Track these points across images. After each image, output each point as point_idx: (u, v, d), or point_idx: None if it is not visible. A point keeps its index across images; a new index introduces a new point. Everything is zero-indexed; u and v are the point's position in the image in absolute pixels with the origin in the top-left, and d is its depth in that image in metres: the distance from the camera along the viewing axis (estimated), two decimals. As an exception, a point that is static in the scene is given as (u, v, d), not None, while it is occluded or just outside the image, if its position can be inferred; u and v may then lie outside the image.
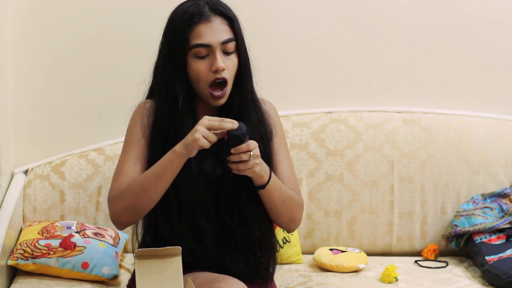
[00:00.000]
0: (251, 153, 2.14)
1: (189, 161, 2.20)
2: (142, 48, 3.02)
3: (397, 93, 3.15)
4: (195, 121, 2.23)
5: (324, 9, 3.09)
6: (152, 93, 2.36)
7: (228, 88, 2.27)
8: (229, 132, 2.14)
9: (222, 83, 2.25)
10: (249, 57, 2.33)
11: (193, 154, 2.15)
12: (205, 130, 2.12)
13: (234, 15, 2.29)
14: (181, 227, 2.27)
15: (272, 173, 2.26)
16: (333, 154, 3.04)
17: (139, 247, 2.37)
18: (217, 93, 2.25)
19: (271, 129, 2.37)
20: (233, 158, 2.15)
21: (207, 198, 2.27)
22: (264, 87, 2.41)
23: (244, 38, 2.32)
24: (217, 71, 2.23)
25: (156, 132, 2.29)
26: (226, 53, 2.25)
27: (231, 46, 2.25)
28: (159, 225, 2.30)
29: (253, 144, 2.15)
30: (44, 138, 3.07)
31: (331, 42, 3.11)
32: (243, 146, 2.14)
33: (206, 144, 2.12)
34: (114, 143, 3.02)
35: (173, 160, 2.17)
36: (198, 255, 2.29)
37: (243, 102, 2.31)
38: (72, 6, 3.01)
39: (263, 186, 2.24)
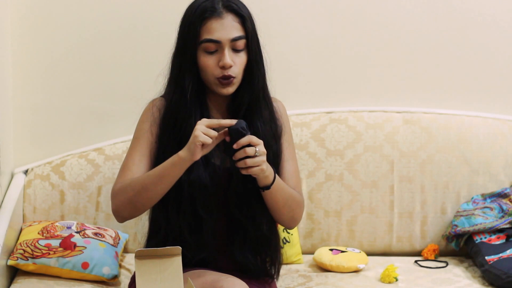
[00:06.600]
0: (257, 148, 2.14)
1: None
2: (142, 48, 3.02)
3: (397, 93, 3.15)
4: (203, 114, 2.26)
5: (324, 9, 3.08)
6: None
7: (236, 82, 2.28)
8: (229, 128, 2.14)
9: (229, 78, 2.27)
10: (263, 55, 2.34)
11: (197, 156, 2.14)
12: (204, 128, 2.12)
13: (247, 13, 2.31)
14: (178, 216, 2.29)
15: (276, 174, 2.26)
16: (333, 154, 3.04)
17: (147, 239, 2.41)
18: (224, 81, 2.27)
19: (281, 127, 2.40)
20: (239, 154, 2.15)
21: (213, 189, 2.28)
22: (264, 87, 2.43)
23: (259, 37, 2.34)
24: (224, 67, 2.25)
25: (164, 126, 2.31)
26: (235, 50, 2.27)
27: (241, 43, 2.27)
28: (155, 212, 2.33)
29: (256, 140, 2.15)
30: (44, 138, 3.07)
31: (331, 42, 3.11)
32: (244, 139, 2.13)
33: (207, 140, 2.12)
34: (114, 143, 3.02)
35: (175, 163, 2.17)
36: (191, 247, 2.30)
37: (254, 100, 2.32)
38: (72, 6, 3.01)
39: (268, 187, 2.24)
